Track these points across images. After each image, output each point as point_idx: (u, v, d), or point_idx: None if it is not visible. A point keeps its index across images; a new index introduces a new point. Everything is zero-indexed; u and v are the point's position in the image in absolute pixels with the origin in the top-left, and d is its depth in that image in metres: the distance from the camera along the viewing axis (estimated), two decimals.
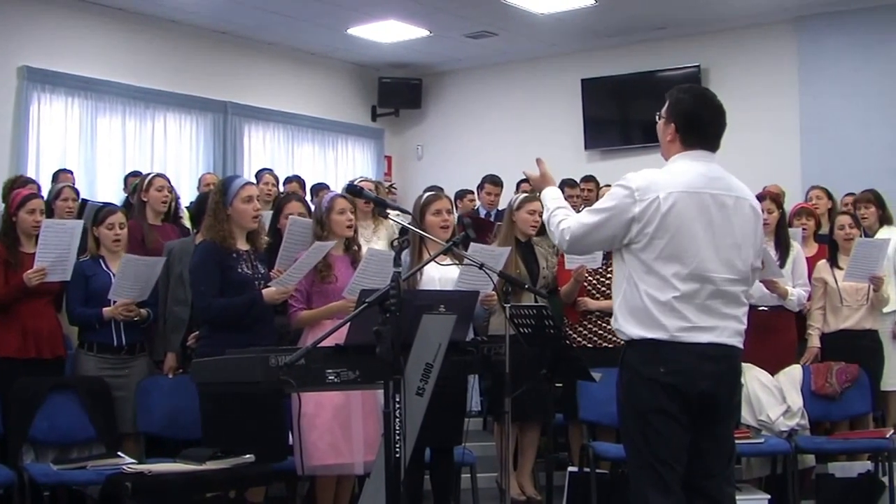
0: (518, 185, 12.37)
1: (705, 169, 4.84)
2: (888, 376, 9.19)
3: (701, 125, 4.92)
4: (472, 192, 12.97)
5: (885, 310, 9.23)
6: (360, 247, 7.37)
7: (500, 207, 12.03)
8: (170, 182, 9.10)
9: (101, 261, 7.60)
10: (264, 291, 6.69)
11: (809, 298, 8.85)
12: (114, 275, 7.42)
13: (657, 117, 5.07)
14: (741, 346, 4.87)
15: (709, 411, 4.77)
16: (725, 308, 4.78)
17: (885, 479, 8.02)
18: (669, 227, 4.70)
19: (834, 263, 8.94)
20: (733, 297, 4.81)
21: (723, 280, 4.75)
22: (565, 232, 4.98)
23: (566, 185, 12.30)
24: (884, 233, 9.73)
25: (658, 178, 4.79)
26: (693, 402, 4.70)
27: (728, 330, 4.78)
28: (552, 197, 5.28)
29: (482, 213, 12.32)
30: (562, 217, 5.07)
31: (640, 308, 4.78)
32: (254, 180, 9.32)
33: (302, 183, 12.29)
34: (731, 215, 4.80)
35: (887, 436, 8.22)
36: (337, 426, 6.66)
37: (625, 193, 4.78)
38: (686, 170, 4.83)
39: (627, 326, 4.84)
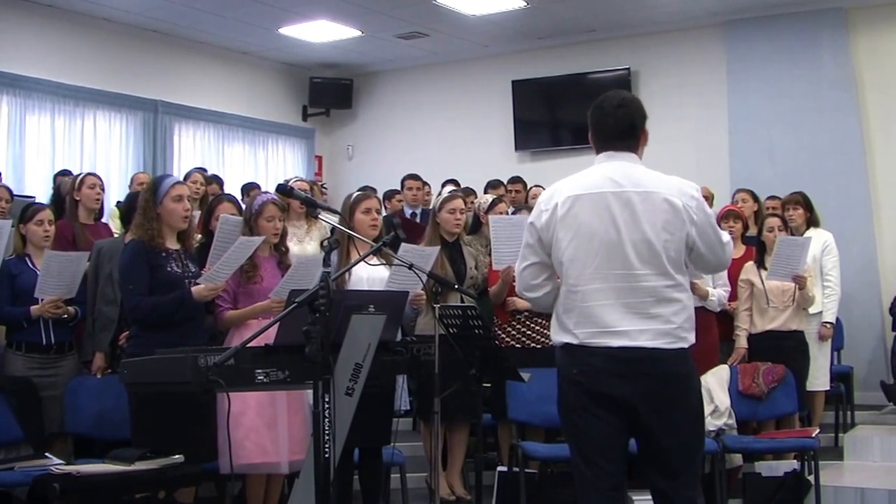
0: (443, 184, 12.42)
1: (610, 169, 4.88)
2: (814, 377, 9.35)
3: (596, 130, 5.02)
4: (399, 192, 13.01)
5: (812, 311, 9.37)
6: (287, 249, 7.39)
7: (428, 206, 12.03)
8: (102, 181, 9.05)
9: (27, 259, 7.57)
10: (193, 289, 6.66)
11: (731, 299, 8.97)
12: (38, 271, 7.37)
13: None
14: (673, 346, 4.75)
15: (635, 414, 4.74)
16: (648, 308, 4.73)
17: (811, 478, 8.10)
18: (567, 229, 4.79)
19: (761, 265, 9.04)
20: (655, 295, 4.75)
21: (635, 277, 4.73)
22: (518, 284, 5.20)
23: (490, 186, 12.36)
24: (811, 235, 9.85)
25: (561, 185, 4.93)
26: (610, 400, 4.72)
27: (650, 332, 4.72)
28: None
29: (407, 211, 12.33)
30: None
31: (556, 311, 4.94)
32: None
33: (221, 183, 12.18)
34: (638, 212, 4.76)
35: (813, 435, 8.31)
36: (262, 425, 6.66)
37: (534, 212, 4.96)
38: (590, 172, 4.93)
39: (552, 330, 5.02)
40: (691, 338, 4.85)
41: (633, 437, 4.87)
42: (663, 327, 4.75)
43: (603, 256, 4.74)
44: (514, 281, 8.23)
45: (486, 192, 11.54)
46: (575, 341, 4.78)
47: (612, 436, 4.79)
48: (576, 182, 4.89)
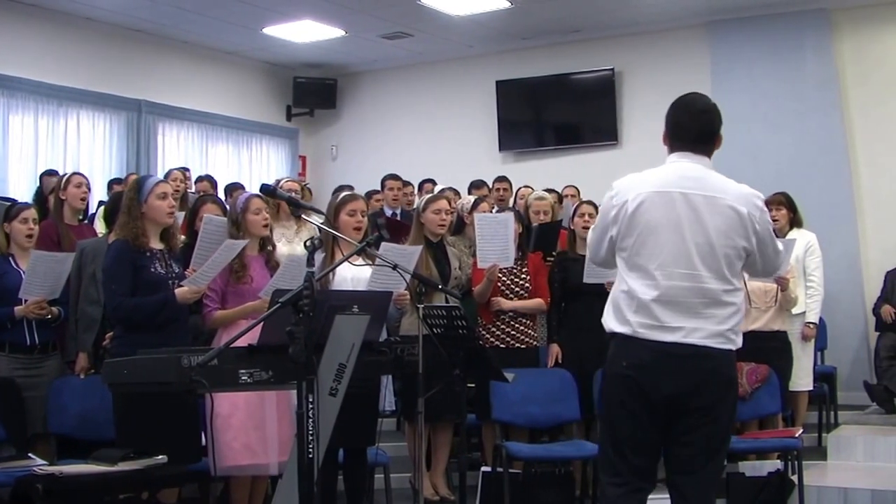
0: (420, 185, 12.43)
1: (684, 169, 4.96)
2: (797, 377, 9.36)
3: (680, 129, 5.08)
4: (380, 192, 13.03)
5: (794, 311, 9.39)
6: (274, 247, 7.39)
7: (409, 207, 12.03)
8: (88, 180, 9.04)
9: (10, 259, 7.53)
10: (177, 291, 6.64)
11: None
12: (24, 272, 7.34)
13: None
14: (722, 347, 4.86)
15: (680, 411, 4.83)
16: (703, 308, 4.82)
17: (795, 478, 8.12)
18: (636, 227, 4.86)
19: None
20: (712, 297, 4.83)
21: (695, 277, 4.81)
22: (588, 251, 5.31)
23: (473, 186, 12.37)
24: (794, 235, 9.86)
25: (634, 180, 4.99)
26: (655, 400, 4.80)
27: (702, 331, 4.80)
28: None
29: (387, 212, 12.33)
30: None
31: (615, 303, 4.97)
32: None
33: (213, 182, 12.22)
34: (703, 214, 4.85)
35: (796, 435, 8.35)
36: (251, 427, 6.65)
37: (606, 199, 5.04)
38: (661, 171, 5.01)
39: (607, 319, 5.02)
40: (739, 341, 4.97)
41: (666, 433, 4.93)
42: (716, 328, 4.85)
43: (667, 255, 4.82)
44: (498, 280, 8.33)
45: (469, 193, 11.53)
46: (628, 331, 4.85)
47: (643, 431, 4.89)
48: (647, 179, 4.96)
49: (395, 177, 12.68)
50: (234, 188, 11.56)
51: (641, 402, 4.83)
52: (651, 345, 4.80)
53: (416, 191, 12.87)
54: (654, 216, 4.84)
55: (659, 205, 4.85)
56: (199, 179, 12.26)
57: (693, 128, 5.06)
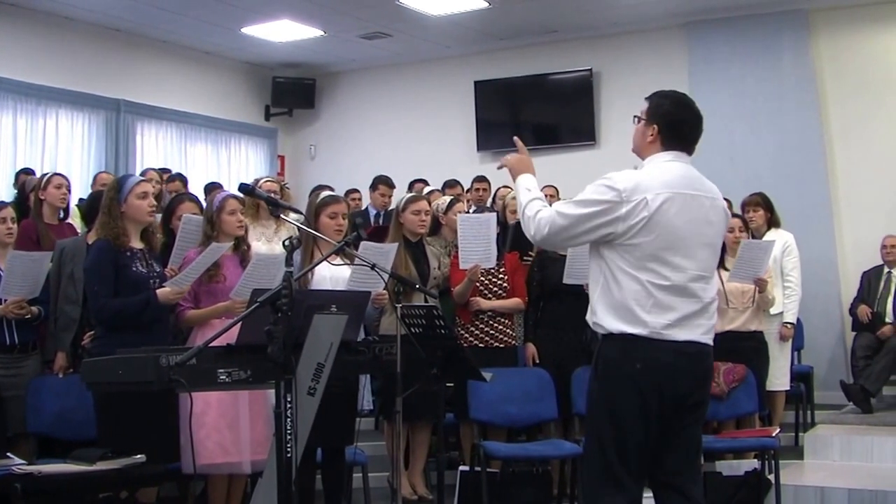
0: (410, 185, 12.42)
1: (684, 171, 4.97)
2: (774, 377, 9.41)
3: (683, 129, 5.07)
4: (357, 192, 13.00)
5: (772, 311, 9.43)
6: (249, 247, 7.37)
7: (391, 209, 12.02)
8: (69, 181, 9.04)
9: None
10: (159, 292, 6.65)
11: None
12: (2, 272, 7.34)
13: (634, 119, 5.17)
14: (710, 342, 4.97)
15: (680, 409, 4.84)
16: (707, 306, 4.90)
17: (772, 477, 8.16)
18: (657, 226, 4.77)
19: (721, 265, 9.07)
20: (710, 294, 4.93)
21: (696, 278, 4.85)
22: (543, 222, 4.95)
23: (447, 185, 12.37)
24: (771, 235, 9.93)
25: (643, 179, 4.86)
26: (666, 399, 4.77)
27: (702, 328, 4.87)
28: (527, 186, 5.22)
29: (372, 213, 12.33)
30: (539, 207, 5.03)
31: (622, 303, 4.82)
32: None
33: (185, 181, 12.19)
34: (708, 215, 4.93)
35: (773, 435, 8.38)
36: (224, 425, 6.66)
37: (612, 194, 4.81)
38: (667, 170, 4.94)
39: (607, 320, 4.87)
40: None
41: (663, 434, 4.88)
42: (709, 323, 4.94)
43: (682, 256, 4.81)
44: (478, 281, 8.34)
45: (443, 192, 11.53)
46: (644, 332, 4.77)
47: (650, 435, 4.82)
48: (658, 179, 4.87)
49: (388, 182, 12.67)
50: (213, 188, 11.55)
51: (652, 404, 4.76)
52: (667, 345, 4.77)
53: (402, 191, 12.82)
54: (673, 217, 4.79)
55: (676, 206, 4.81)
56: (171, 179, 12.23)
57: (696, 128, 5.11)
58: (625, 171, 4.93)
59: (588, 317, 5.07)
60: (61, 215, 8.90)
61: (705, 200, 4.93)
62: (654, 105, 5.11)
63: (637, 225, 4.77)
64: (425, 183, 12.46)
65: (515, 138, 5.53)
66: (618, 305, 4.83)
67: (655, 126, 5.05)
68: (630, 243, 4.81)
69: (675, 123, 5.05)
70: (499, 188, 12.16)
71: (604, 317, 4.89)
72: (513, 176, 5.35)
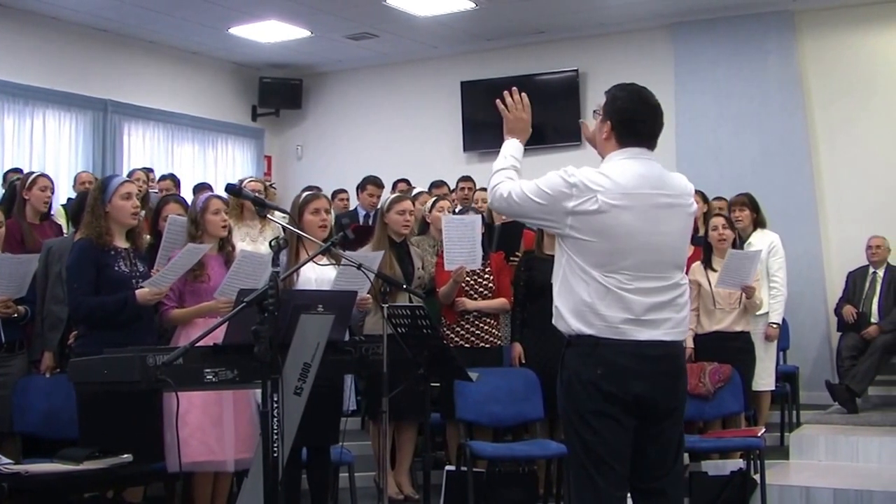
0: (394, 185, 12.43)
1: (643, 169, 4.77)
2: (759, 377, 9.43)
3: (635, 123, 4.83)
4: (345, 192, 12.99)
5: (758, 311, 9.44)
6: (234, 247, 7.37)
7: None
8: (53, 183, 9.05)
9: None
10: (137, 292, 6.63)
11: None
12: None
13: (593, 114, 4.99)
14: (680, 339, 4.82)
15: (649, 413, 4.68)
16: (672, 303, 4.74)
17: (757, 477, 8.15)
18: (605, 226, 4.61)
19: (708, 265, 9.11)
20: (676, 293, 4.77)
21: (664, 278, 4.73)
22: (502, 193, 4.87)
23: (434, 186, 12.37)
24: (757, 236, 9.98)
25: (596, 177, 4.67)
26: (633, 402, 4.61)
27: (668, 322, 4.71)
28: (509, 153, 5.12)
29: (360, 213, 12.33)
30: (504, 178, 4.94)
31: (580, 299, 4.70)
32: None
33: (177, 181, 12.21)
34: (668, 216, 4.76)
35: (759, 434, 8.38)
36: (208, 424, 6.66)
37: (563, 185, 4.67)
38: (623, 170, 4.73)
39: (568, 318, 4.76)
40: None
41: (638, 437, 4.74)
42: (678, 316, 4.76)
43: (640, 256, 4.65)
44: (464, 281, 8.35)
45: (430, 193, 11.53)
46: (603, 330, 4.63)
47: (625, 438, 4.68)
48: (611, 178, 4.68)
49: (376, 182, 12.63)
50: (201, 188, 11.55)
51: (620, 407, 4.61)
52: (626, 347, 4.61)
53: (388, 192, 12.84)
54: (624, 218, 4.62)
55: (628, 207, 4.63)
56: (163, 178, 12.23)
57: (650, 122, 4.86)
58: (584, 167, 4.77)
59: (554, 320, 4.91)
60: (42, 216, 8.88)
61: (664, 199, 4.75)
62: (609, 99, 4.90)
63: (587, 223, 4.63)
64: (408, 183, 12.47)
65: (523, 94, 5.29)
66: (577, 301, 4.71)
67: (609, 122, 4.87)
68: (584, 240, 4.66)
69: (628, 120, 4.82)
70: (479, 188, 12.17)
71: (564, 314, 4.78)
72: (504, 132, 5.22)
